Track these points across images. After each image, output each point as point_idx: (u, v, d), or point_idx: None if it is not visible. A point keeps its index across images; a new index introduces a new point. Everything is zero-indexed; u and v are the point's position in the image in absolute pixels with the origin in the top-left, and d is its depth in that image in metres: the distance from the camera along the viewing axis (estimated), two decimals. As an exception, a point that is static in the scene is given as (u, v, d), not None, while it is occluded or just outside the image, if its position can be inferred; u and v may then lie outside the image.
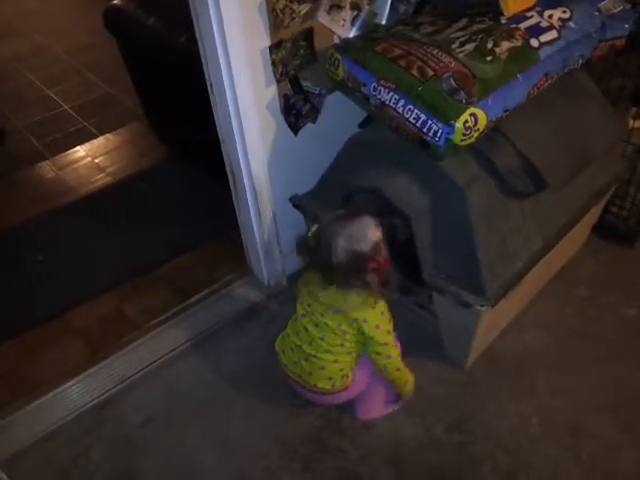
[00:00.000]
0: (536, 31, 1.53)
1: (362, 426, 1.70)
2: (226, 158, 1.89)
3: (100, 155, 3.00)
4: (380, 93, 1.50)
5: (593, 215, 1.99)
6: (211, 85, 1.71)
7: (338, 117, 1.86)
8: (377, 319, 1.46)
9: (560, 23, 1.56)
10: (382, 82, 1.49)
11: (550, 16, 1.57)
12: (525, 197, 1.61)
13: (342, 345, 1.50)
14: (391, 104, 1.48)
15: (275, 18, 1.58)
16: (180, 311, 2.09)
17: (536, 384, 1.76)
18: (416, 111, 1.43)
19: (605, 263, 2.10)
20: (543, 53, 1.50)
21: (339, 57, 1.60)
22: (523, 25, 1.54)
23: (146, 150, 2.98)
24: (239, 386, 1.83)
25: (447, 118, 1.38)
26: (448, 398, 1.75)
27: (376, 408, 1.70)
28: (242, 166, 1.83)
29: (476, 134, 1.42)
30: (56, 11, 4.79)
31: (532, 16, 1.57)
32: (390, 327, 1.50)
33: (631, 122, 2.01)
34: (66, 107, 3.46)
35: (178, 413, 1.78)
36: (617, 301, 1.97)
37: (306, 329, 1.52)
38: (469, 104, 1.38)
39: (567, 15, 1.57)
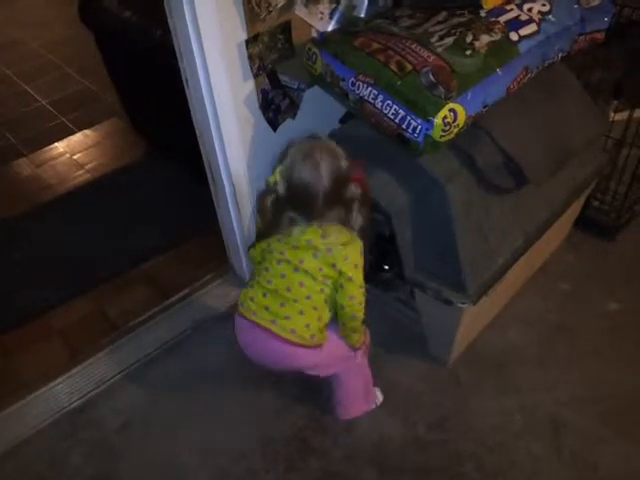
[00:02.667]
0: (515, 24, 1.51)
1: (345, 425, 1.68)
2: (204, 154, 1.86)
3: (78, 151, 2.95)
4: (359, 88, 1.47)
5: (575, 209, 1.98)
6: (186, 80, 1.68)
7: (318, 113, 1.83)
8: (356, 258, 1.39)
9: (540, 16, 1.54)
10: (360, 77, 1.47)
11: (530, 9, 1.55)
12: (506, 193, 1.60)
13: (322, 292, 1.42)
14: (370, 99, 1.45)
15: (251, 11, 1.55)
16: (161, 311, 2.06)
17: (518, 380, 1.76)
18: (395, 107, 1.40)
19: (587, 257, 2.10)
20: (523, 47, 1.48)
21: (317, 51, 1.57)
22: (502, 18, 1.52)
23: (125, 146, 2.93)
24: (220, 387, 1.81)
25: (426, 114, 1.36)
26: (431, 396, 1.74)
27: (355, 406, 1.68)
28: (220, 162, 1.80)
29: (456, 130, 1.40)
30: (32, 3, 4.69)
31: (511, 9, 1.55)
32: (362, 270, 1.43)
33: (612, 115, 2.00)
34: (43, 102, 3.39)
35: (159, 415, 1.76)
36: (598, 295, 1.97)
37: (283, 275, 1.41)
38: (448, 99, 1.37)
39: (547, 8, 1.56)
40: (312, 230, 1.38)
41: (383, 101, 1.42)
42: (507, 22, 1.51)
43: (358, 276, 1.41)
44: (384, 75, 1.42)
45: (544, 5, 1.56)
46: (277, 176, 1.39)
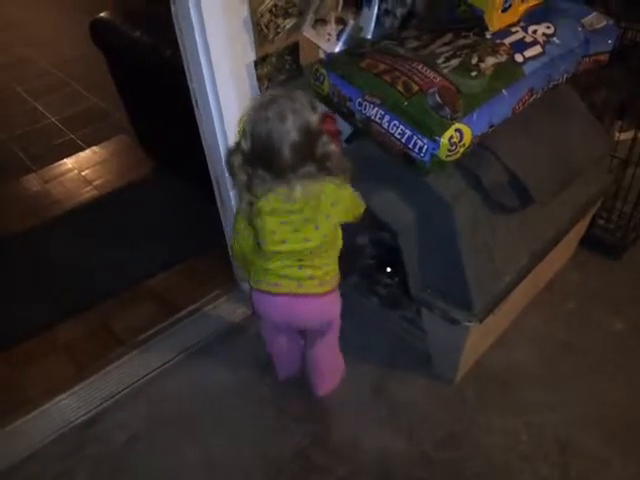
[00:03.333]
0: (520, 46, 1.53)
1: (349, 443, 1.68)
2: (212, 174, 1.88)
3: (87, 168, 2.98)
4: (365, 108, 1.49)
5: (580, 228, 1.99)
6: (196, 100, 1.70)
7: (325, 131, 1.85)
8: (337, 197, 1.34)
9: (544, 38, 1.56)
10: (367, 97, 1.48)
11: (534, 31, 1.58)
12: (511, 212, 1.61)
13: (326, 251, 1.45)
14: (376, 119, 1.47)
15: (260, 32, 1.58)
16: (167, 327, 2.07)
17: (524, 399, 1.75)
18: (401, 127, 1.42)
19: (593, 276, 2.10)
20: (528, 68, 1.50)
21: (324, 72, 1.60)
22: (508, 40, 1.55)
23: (133, 163, 2.96)
24: (225, 403, 1.81)
25: (432, 134, 1.38)
26: (437, 414, 1.73)
27: (332, 379, 1.75)
28: (228, 181, 1.81)
29: (462, 150, 1.42)
30: (42, 21, 4.77)
31: (517, 31, 1.58)
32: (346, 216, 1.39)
33: (617, 135, 2.02)
34: (53, 119, 3.43)
35: (164, 431, 1.76)
36: (604, 314, 1.97)
37: (291, 252, 1.40)
38: (454, 120, 1.38)
39: (551, 30, 1.58)
40: (299, 192, 1.28)
41: (390, 121, 1.44)
42: (512, 44, 1.53)
43: (324, 224, 1.36)
44: (391, 96, 1.44)
45: (549, 27, 1.59)
46: (248, 133, 1.29)
